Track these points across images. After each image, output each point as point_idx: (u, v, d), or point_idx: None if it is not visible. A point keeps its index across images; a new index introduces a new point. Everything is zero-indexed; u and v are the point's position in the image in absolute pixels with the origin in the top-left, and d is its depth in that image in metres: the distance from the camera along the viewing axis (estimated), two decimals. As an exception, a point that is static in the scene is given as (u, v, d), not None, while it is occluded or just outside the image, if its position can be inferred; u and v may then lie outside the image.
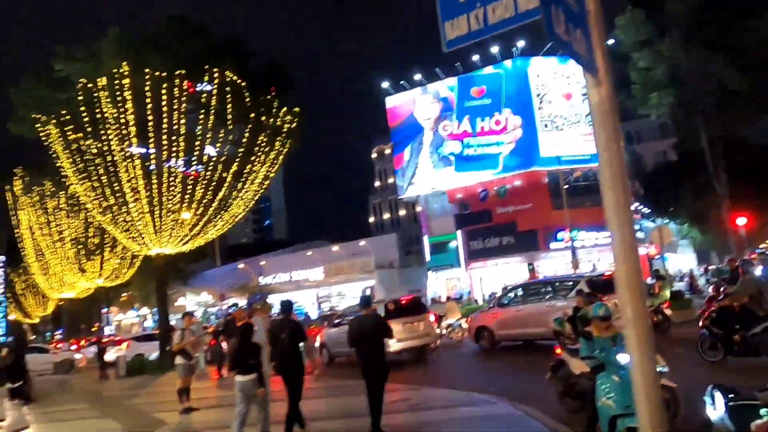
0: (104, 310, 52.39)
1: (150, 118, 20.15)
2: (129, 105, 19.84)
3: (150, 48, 20.60)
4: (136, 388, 17.15)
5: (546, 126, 37.12)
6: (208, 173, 21.45)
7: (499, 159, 37.56)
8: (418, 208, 47.83)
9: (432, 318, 17.19)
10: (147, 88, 19.66)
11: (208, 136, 21.14)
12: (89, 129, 20.63)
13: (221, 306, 45.03)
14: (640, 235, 33.05)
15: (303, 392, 7.71)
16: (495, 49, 37.76)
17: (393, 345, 13.19)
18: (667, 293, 15.77)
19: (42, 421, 12.03)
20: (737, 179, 30.34)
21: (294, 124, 23.32)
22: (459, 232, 39.50)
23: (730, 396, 4.20)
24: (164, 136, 20.26)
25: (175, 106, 20.03)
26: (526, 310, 15.34)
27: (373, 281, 43.13)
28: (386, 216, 75.35)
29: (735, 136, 30.89)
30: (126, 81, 19.63)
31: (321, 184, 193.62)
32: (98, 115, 20.16)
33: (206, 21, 23.74)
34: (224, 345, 16.59)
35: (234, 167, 21.96)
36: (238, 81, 21.08)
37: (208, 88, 20.87)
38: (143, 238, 21.54)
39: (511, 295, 16.94)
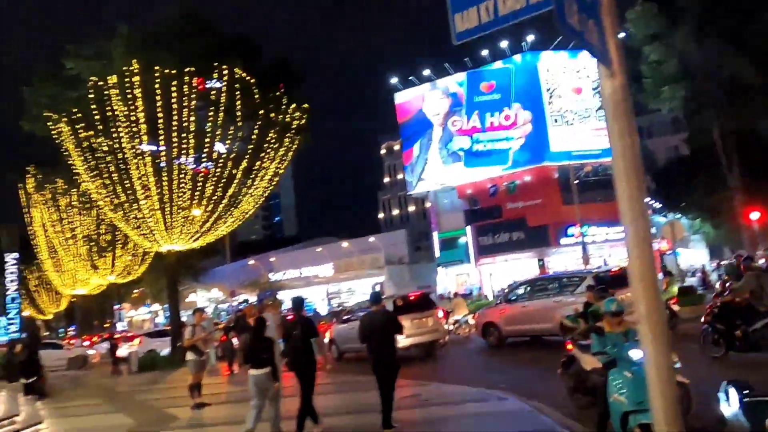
0: (116, 307, 52.97)
1: (160, 115, 20.25)
2: (139, 102, 19.94)
3: (160, 45, 20.67)
4: (148, 384, 17.28)
5: (556, 121, 36.87)
6: (218, 170, 21.52)
7: (509, 154, 37.38)
8: (428, 204, 47.76)
9: (440, 314, 17.17)
10: (157, 86, 19.74)
11: (217, 133, 21.20)
12: (100, 127, 20.77)
13: (232, 302, 45.31)
14: (651, 230, 32.75)
15: (315, 388, 7.74)
16: (504, 44, 37.57)
17: (401, 341, 13.18)
18: (675, 289, 15.74)
19: (55, 416, 12.16)
20: (750, 173, 29.95)
21: (303, 121, 23.34)
22: (468, 228, 39.39)
23: (745, 392, 4.15)
24: (174, 134, 20.34)
25: (184, 104, 20.10)
26: (533, 306, 15.31)
27: (383, 277, 43.21)
28: (395, 212, 75.32)
29: (748, 130, 30.47)
30: (136, 79, 19.72)
31: (330, 180, 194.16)
32: (109, 113, 20.28)
33: (212, 18, 23.71)
34: (235, 341, 16.66)
35: (243, 164, 22.01)
36: (247, 77, 21.11)
37: (218, 85, 20.91)
38: (154, 234, 21.66)
39: (518, 291, 16.92)
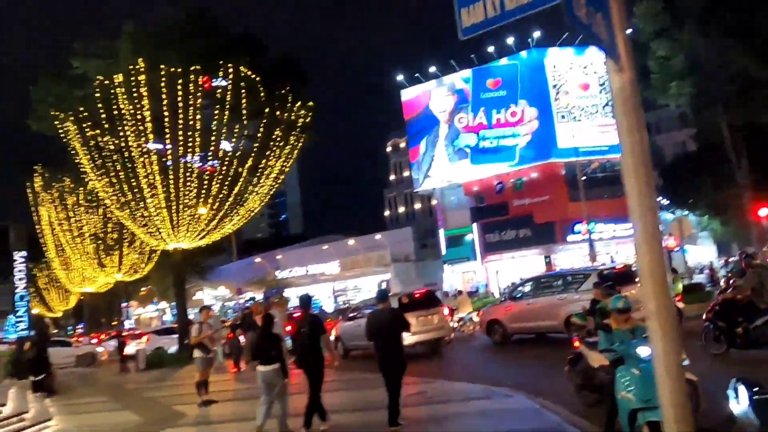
0: (124, 305, 53.22)
1: (166, 114, 20.31)
2: (145, 101, 20.01)
3: (166, 44, 20.72)
4: (156, 381, 17.35)
5: (563, 117, 36.73)
6: (224, 168, 21.58)
7: (516, 151, 37.26)
8: (434, 201, 47.70)
9: (446, 311, 17.14)
10: (163, 84, 19.79)
11: (223, 131, 21.25)
12: (106, 125, 20.85)
13: (238, 300, 45.45)
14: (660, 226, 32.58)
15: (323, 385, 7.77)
16: (510, 40, 37.43)
17: (407, 338, 13.17)
18: (680, 286, 15.71)
19: (64, 413, 12.22)
20: (759, 169, 29.69)
21: (308, 119, 23.35)
22: (475, 225, 39.31)
23: (755, 390, 4.12)
24: (180, 132, 20.41)
25: (190, 102, 20.15)
26: (538, 303, 15.28)
27: (389, 275, 43.20)
28: (401, 209, 75.27)
29: (757, 125, 30.22)
30: (142, 77, 19.79)
31: (336, 178, 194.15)
32: (115, 112, 20.36)
33: (218, 16, 23.71)
34: (242, 339, 16.71)
35: (249, 162, 22.07)
36: (253, 76, 21.12)
37: (224, 83, 20.95)
38: (161, 233, 21.74)
39: (522, 288, 16.86)
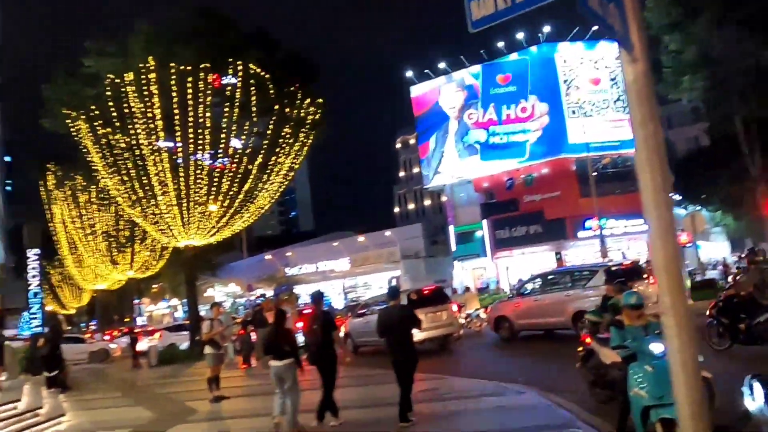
0: (136, 301, 53.60)
1: (176, 112, 20.40)
2: (156, 99, 20.11)
3: (178, 42, 20.79)
4: (168, 377, 17.48)
5: (574, 112, 36.42)
6: (234, 166, 21.65)
7: (526, 147, 37.02)
8: (444, 198, 47.55)
9: (455, 308, 17.12)
10: (173, 82, 19.87)
11: (233, 128, 21.31)
12: (118, 124, 21.00)
13: (249, 297, 45.65)
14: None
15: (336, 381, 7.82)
16: (520, 35, 37.15)
17: (416, 334, 13.15)
18: (687, 283, 15.58)
19: (77, 409, 12.35)
20: (773, 164, 29.26)
21: (318, 116, 23.35)
22: (485, 222, 39.11)
23: (771, 386, 4.06)
24: (190, 130, 20.49)
25: (200, 100, 20.22)
26: (545, 299, 15.24)
27: (399, 271, 43.14)
28: (411, 206, 75.15)
29: (771, 119, 29.79)
30: (152, 75, 19.87)
31: (346, 174, 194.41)
32: (126, 110, 20.48)
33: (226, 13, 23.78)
34: (253, 336, 16.77)
35: (259, 159, 22.11)
36: (262, 73, 21.15)
37: (233, 81, 21.00)
38: (172, 230, 21.87)
39: (530, 284, 16.81)
